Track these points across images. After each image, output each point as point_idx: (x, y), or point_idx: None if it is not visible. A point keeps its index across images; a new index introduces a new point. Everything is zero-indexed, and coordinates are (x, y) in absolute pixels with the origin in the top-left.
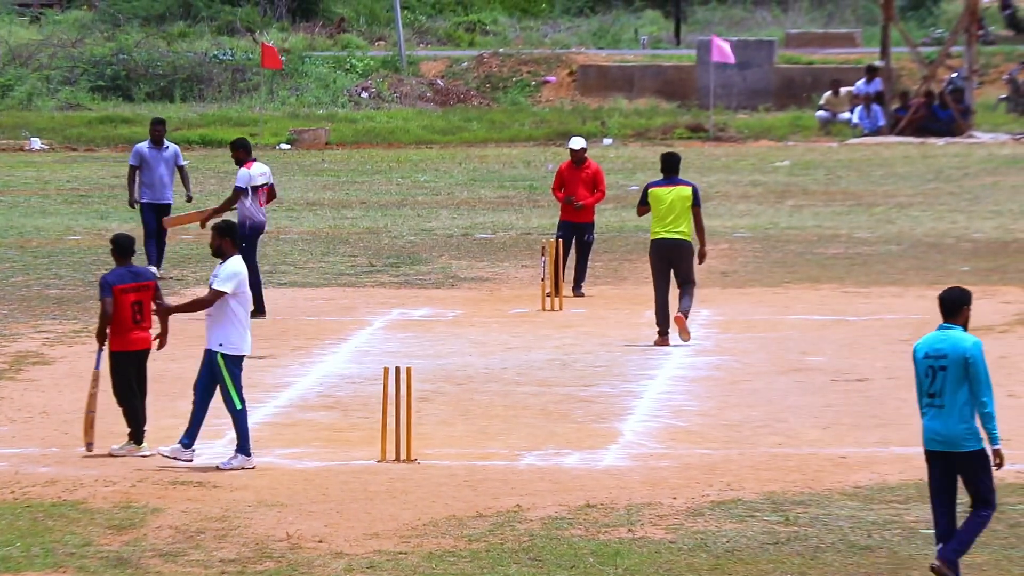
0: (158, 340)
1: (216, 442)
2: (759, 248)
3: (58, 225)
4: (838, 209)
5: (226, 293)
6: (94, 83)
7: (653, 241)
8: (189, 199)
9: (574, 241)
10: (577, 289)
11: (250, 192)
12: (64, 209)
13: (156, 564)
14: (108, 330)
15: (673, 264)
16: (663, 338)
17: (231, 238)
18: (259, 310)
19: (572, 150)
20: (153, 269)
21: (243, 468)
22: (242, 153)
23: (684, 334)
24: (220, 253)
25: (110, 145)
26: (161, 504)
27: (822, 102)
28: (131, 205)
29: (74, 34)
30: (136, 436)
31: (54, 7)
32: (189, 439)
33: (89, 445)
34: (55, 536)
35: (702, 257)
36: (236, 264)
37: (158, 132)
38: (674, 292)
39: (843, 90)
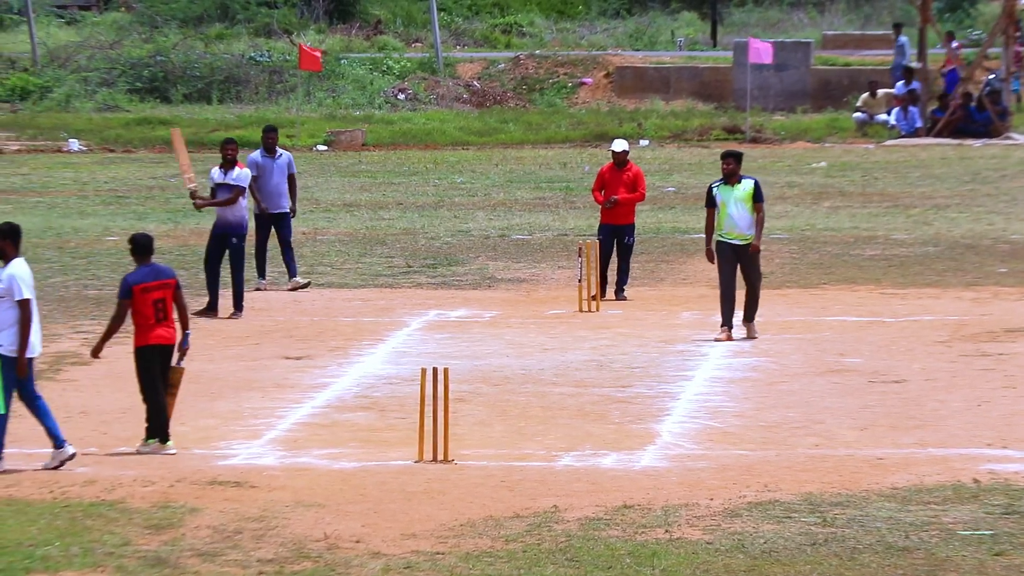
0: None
1: (254, 442)
2: (796, 249)
3: (96, 226)
4: (875, 211)
5: (30, 299)
6: (132, 85)
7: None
8: (293, 213)
9: (615, 244)
10: (620, 292)
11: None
12: (102, 210)
13: (194, 564)
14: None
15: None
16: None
17: (12, 240)
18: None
19: (614, 152)
20: (262, 283)
21: None
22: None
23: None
24: (2, 256)
25: (148, 146)
26: (199, 504)
27: (859, 104)
28: (259, 212)
29: (112, 36)
30: (161, 433)
31: (92, 9)
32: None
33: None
34: (93, 536)
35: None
36: (23, 267)
37: (271, 140)
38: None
39: (880, 92)
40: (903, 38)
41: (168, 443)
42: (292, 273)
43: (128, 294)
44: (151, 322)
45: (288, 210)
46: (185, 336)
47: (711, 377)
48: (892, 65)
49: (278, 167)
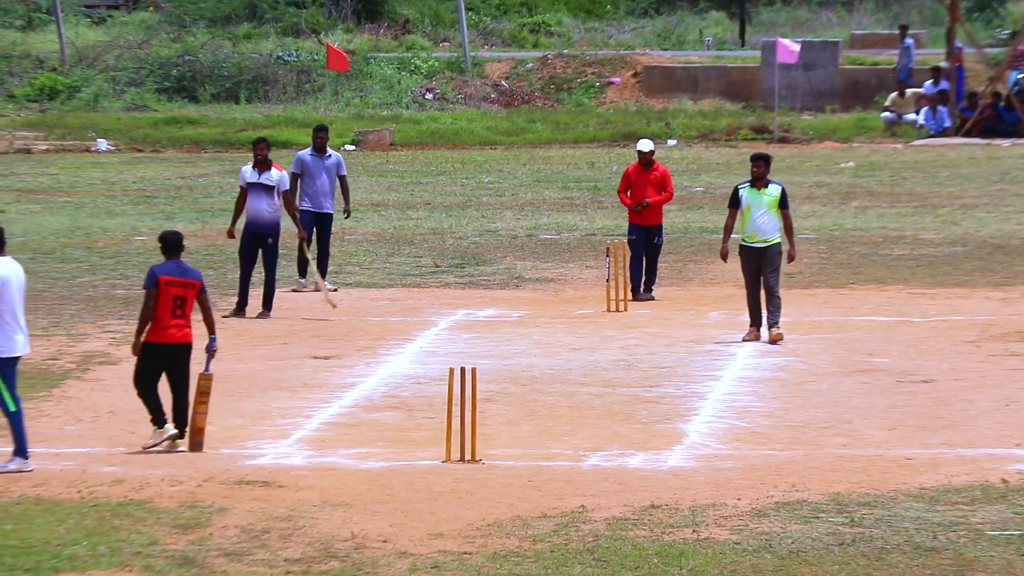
0: None
1: (282, 442)
2: (824, 249)
3: (124, 226)
4: (903, 210)
5: None
6: (160, 84)
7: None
8: (347, 214)
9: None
10: (648, 292)
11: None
12: (130, 210)
13: (221, 563)
14: (147, 320)
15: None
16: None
17: None
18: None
19: (641, 152)
20: (302, 283)
21: (20, 471)
22: (258, 148)
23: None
24: None
25: (176, 146)
26: (226, 504)
27: (887, 103)
28: (301, 236)
29: (140, 35)
30: (157, 419)
31: (120, 9)
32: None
33: (198, 444)
34: (121, 535)
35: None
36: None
37: (321, 139)
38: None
39: (909, 91)
40: (909, 40)
41: (166, 426)
42: (323, 275)
43: (154, 283)
44: (167, 318)
45: (331, 212)
46: (211, 339)
47: (739, 377)
48: (898, 67)
49: (326, 167)
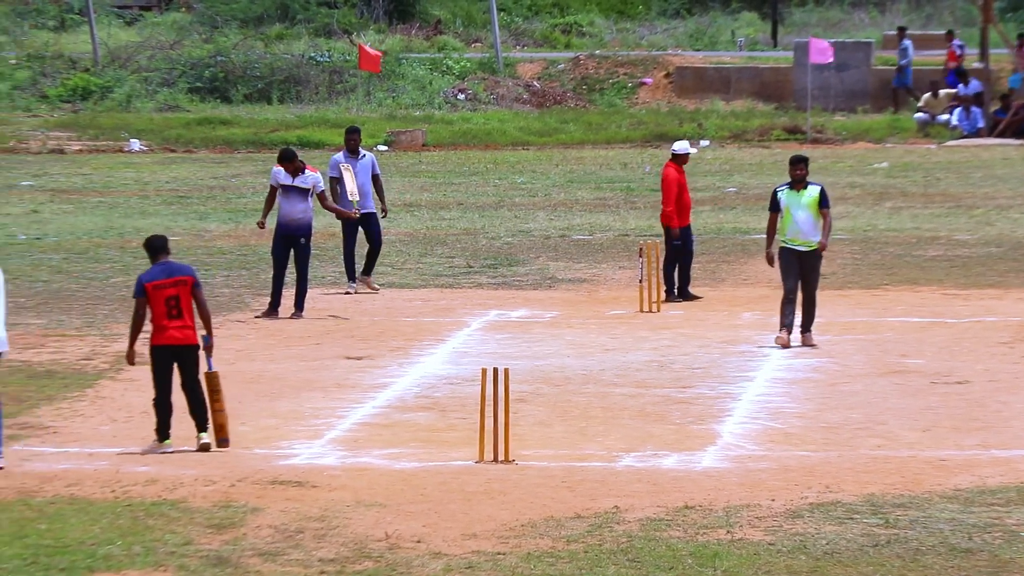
0: None
1: (315, 442)
2: (858, 250)
3: (157, 226)
4: (937, 211)
5: None
6: (192, 85)
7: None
8: (384, 213)
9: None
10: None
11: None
12: (163, 210)
13: (255, 563)
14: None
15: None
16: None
17: None
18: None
19: (688, 154)
20: (352, 286)
21: None
22: (299, 163)
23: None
24: None
25: (208, 146)
26: (260, 504)
27: (921, 104)
28: (350, 217)
29: (172, 36)
30: (162, 432)
31: (153, 9)
32: None
33: (224, 441)
34: (155, 535)
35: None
36: None
37: (353, 141)
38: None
39: (942, 92)
40: (907, 41)
41: (166, 441)
42: (367, 271)
43: (142, 292)
44: (163, 321)
45: (373, 210)
46: (204, 337)
47: (772, 378)
48: (898, 67)
49: (362, 168)
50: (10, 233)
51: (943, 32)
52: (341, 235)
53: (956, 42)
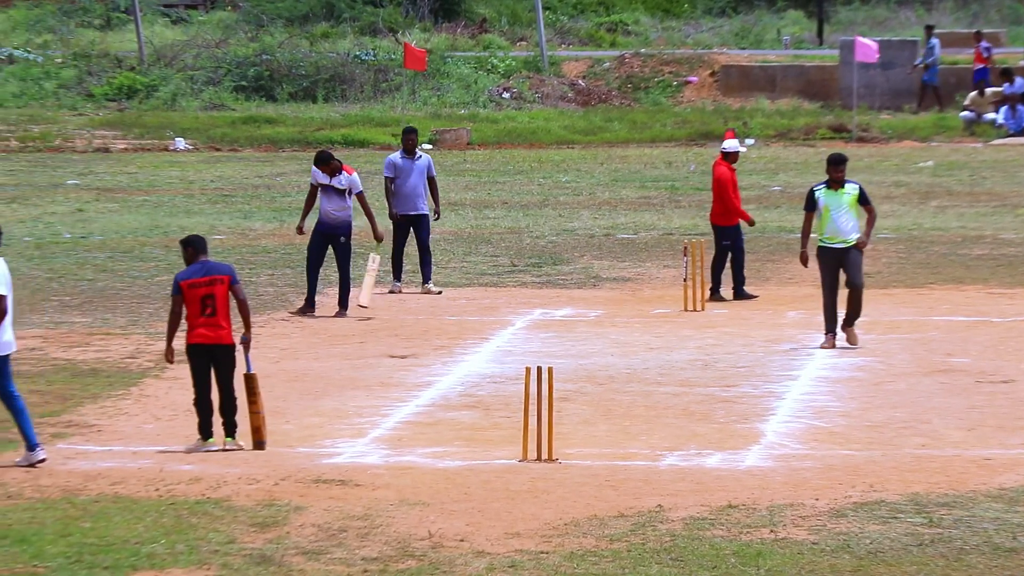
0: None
1: (359, 441)
2: (903, 249)
3: (202, 224)
4: (983, 210)
5: (6, 296)
6: (237, 83)
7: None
8: (437, 215)
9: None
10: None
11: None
12: (208, 208)
13: (299, 562)
14: (174, 326)
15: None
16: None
17: None
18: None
19: (738, 153)
20: (397, 285)
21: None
22: (335, 164)
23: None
24: None
25: (253, 145)
26: (303, 502)
27: (967, 102)
28: (392, 218)
29: (218, 35)
30: (204, 430)
31: (199, 8)
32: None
33: (260, 443)
34: (199, 533)
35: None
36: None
37: (411, 141)
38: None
39: (988, 90)
40: (934, 40)
41: (209, 440)
42: (426, 278)
43: (178, 290)
44: (197, 319)
45: (425, 212)
46: (243, 336)
47: (817, 377)
48: (924, 65)
49: (417, 169)
50: (56, 232)
51: (989, 31)
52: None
53: (983, 44)
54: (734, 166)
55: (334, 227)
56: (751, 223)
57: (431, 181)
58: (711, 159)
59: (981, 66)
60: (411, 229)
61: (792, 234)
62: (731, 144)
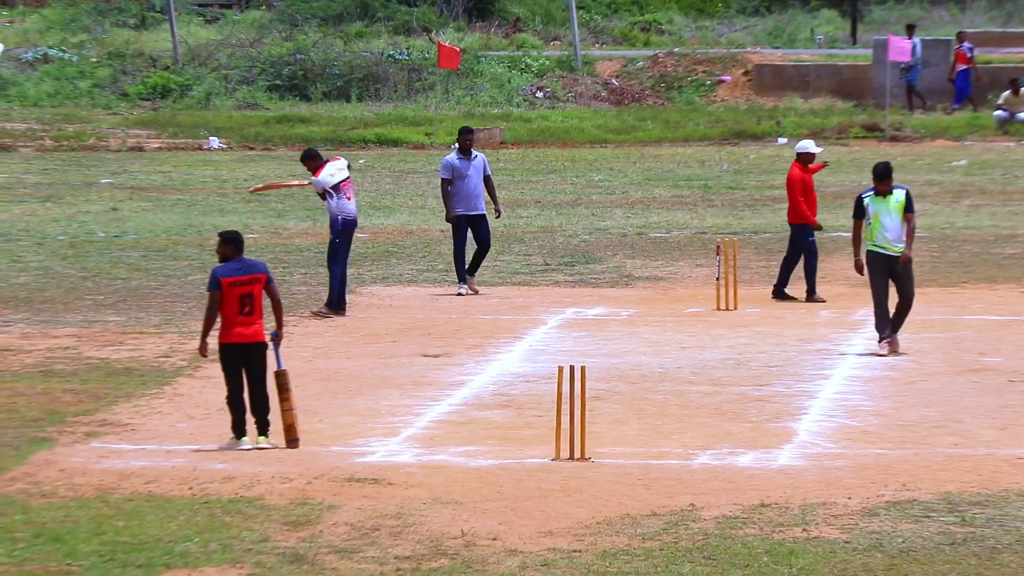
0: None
1: (391, 439)
2: (936, 248)
3: (236, 223)
4: (1016, 209)
5: None
6: (271, 83)
7: None
8: (498, 214)
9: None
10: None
11: (333, 191)
12: (242, 208)
13: (332, 560)
14: (211, 321)
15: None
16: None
17: None
18: (341, 307)
19: (812, 154)
20: (464, 287)
21: None
22: (310, 164)
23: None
24: None
25: (287, 144)
26: (337, 501)
27: (1000, 101)
28: (449, 220)
29: (252, 34)
30: (238, 429)
31: (233, 7)
32: None
33: (294, 441)
34: (232, 532)
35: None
36: None
37: (467, 142)
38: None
39: (1023, 90)
40: (915, 39)
41: (243, 439)
42: (472, 270)
43: (216, 286)
44: (235, 318)
45: (484, 212)
46: (272, 333)
47: (849, 376)
48: (903, 66)
49: (475, 168)
50: (90, 231)
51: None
52: (452, 237)
53: (966, 44)
54: (809, 166)
55: (354, 221)
56: (815, 227)
57: (487, 180)
58: (744, 158)
59: (964, 67)
60: (469, 230)
61: (825, 233)
62: (805, 144)
